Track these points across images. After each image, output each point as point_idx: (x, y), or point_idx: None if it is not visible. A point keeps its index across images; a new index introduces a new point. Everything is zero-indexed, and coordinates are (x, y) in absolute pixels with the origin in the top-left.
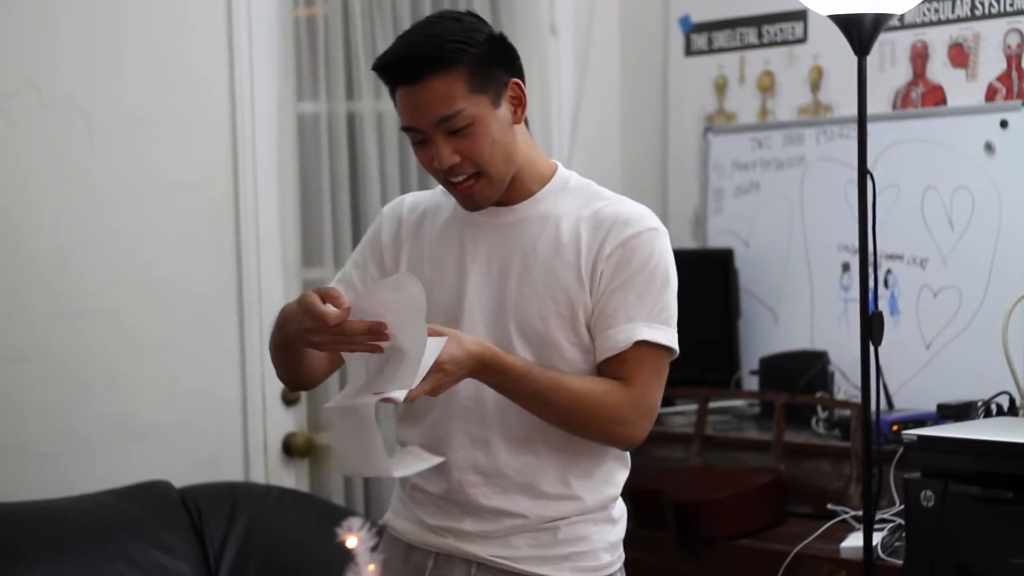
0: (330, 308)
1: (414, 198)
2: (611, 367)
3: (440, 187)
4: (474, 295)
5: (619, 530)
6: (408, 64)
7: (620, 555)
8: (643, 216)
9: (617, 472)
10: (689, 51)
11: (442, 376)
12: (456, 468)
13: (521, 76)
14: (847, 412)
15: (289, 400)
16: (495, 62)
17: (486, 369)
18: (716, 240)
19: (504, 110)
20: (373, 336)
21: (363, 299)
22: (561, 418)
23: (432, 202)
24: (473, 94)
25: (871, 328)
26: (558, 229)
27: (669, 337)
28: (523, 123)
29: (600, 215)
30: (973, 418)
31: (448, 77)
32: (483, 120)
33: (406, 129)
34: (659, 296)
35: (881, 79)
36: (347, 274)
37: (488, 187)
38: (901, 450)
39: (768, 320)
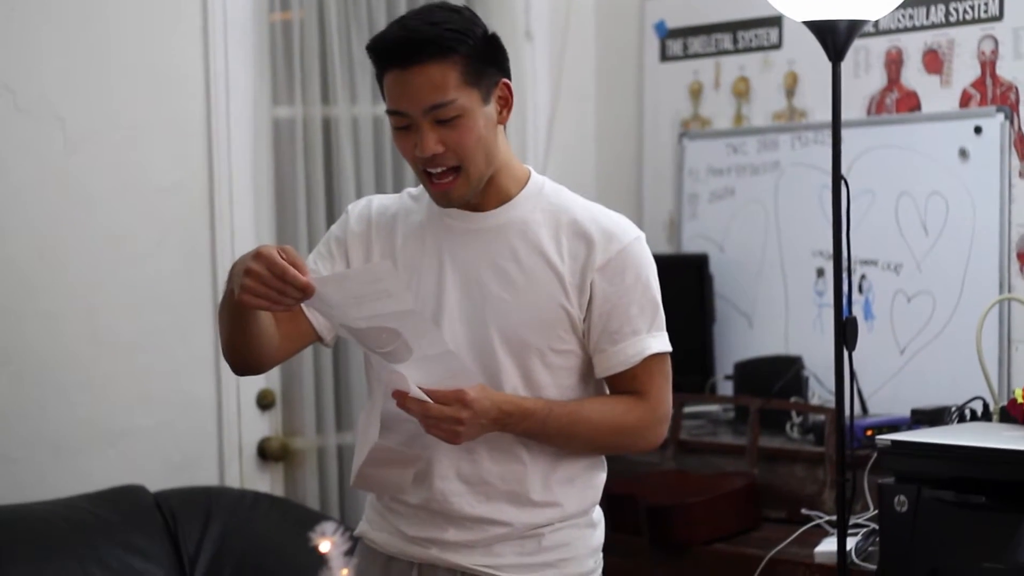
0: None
1: (382, 200)
2: (623, 381)
3: (407, 191)
4: (453, 302)
5: (599, 534)
6: (406, 47)
7: (600, 559)
8: (626, 226)
9: (597, 476)
10: (664, 56)
11: (471, 416)
12: (439, 476)
13: (510, 78)
14: (821, 417)
15: (264, 404)
16: (489, 59)
17: (510, 419)
18: (691, 245)
19: (492, 108)
20: (303, 293)
21: (326, 284)
22: (586, 447)
23: (401, 206)
24: (466, 86)
25: (845, 333)
26: (538, 236)
27: (667, 341)
28: (504, 127)
29: (581, 224)
30: (947, 423)
31: (445, 65)
32: (472, 113)
33: (392, 112)
34: (655, 304)
35: (856, 85)
36: (312, 264)
37: (465, 184)
38: (875, 455)
39: (743, 325)
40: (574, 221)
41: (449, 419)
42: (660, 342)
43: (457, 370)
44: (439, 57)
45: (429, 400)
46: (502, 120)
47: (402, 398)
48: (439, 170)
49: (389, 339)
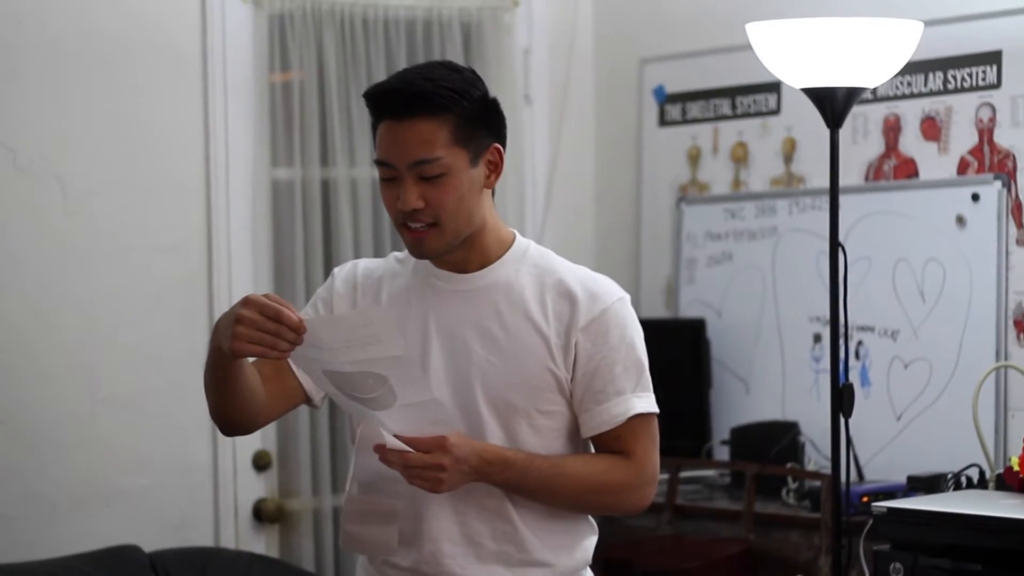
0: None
1: (367, 264)
2: (607, 441)
3: (393, 255)
4: (438, 364)
5: None
6: (400, 99)
7: None
8: (610, 287)
9: (587, 537)
10: (663, 121)
11: (452, 462)
12: (429, 539)
13: (503, 144)
14: (817, 483)
15: (260, 465)
16: (483, 122)
17: (491, 468)
18: (688, 310)
19: (479, 171)
20: (296, 333)
21: (318, 325)
22: (568, 503)
23: (387, 270)
24: (454, 146)
25: (842, 400)
26: (523, 297)
27: (653, 402)
28: (491, 190)
29: (566, 285)
30: (943, 490)
31: (435, 122)
32: (456, 174)
33: (379, 163)
34: (640, 365)
35: (854, 151)
36: None
37: (440, 239)
38: (871, 522)
39: (739, 390)
40: (559, 282)
41: (431, 466)
42: (646, 402)
43: (441, 418)
44: (431, 114)
45: (409, 449)
46: (489, 184)
47: (382, 451)
48: (417, 225)
49: (375, 385)
